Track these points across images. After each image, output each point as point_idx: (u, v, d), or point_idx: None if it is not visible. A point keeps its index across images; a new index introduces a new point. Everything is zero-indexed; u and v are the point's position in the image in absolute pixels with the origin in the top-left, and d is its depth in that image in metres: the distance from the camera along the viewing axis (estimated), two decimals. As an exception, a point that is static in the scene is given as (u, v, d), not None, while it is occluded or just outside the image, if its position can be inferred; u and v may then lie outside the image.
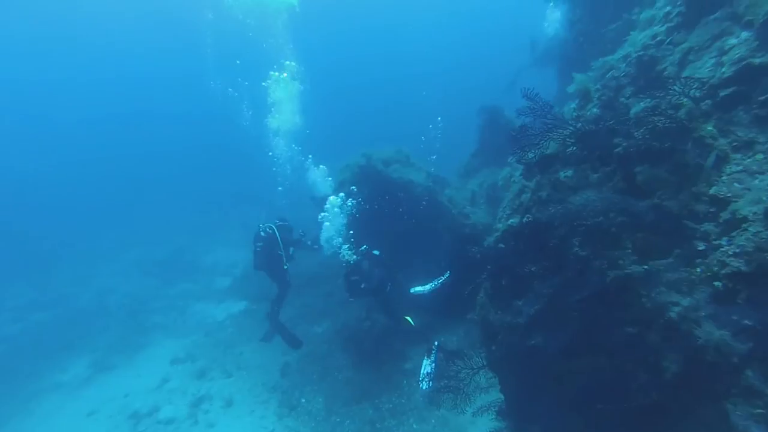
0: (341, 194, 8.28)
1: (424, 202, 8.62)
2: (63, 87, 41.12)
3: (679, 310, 3.03)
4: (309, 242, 8.73)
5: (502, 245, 4.67)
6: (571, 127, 3.91)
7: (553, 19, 10.70)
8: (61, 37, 36.46)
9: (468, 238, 8.76)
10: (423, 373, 6.84)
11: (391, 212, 8.66)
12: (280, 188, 10.02)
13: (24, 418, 9.31)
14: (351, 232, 8.15)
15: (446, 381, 5.63)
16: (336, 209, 8.15)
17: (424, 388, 6.73)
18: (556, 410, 3.85)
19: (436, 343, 7.31)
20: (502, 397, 5.25)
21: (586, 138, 3.78)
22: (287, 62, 10.62)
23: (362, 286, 7.45)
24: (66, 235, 22.72)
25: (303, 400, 8.14)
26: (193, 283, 16.75)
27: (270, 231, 8.43)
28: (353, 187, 8.50)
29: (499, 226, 4.87)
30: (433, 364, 6.91)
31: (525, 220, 4.41)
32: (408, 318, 7.69)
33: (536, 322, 3.89)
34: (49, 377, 10.83)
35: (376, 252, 7.86)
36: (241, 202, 23.64)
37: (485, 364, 5.43)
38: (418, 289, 7.87)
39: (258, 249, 8.29)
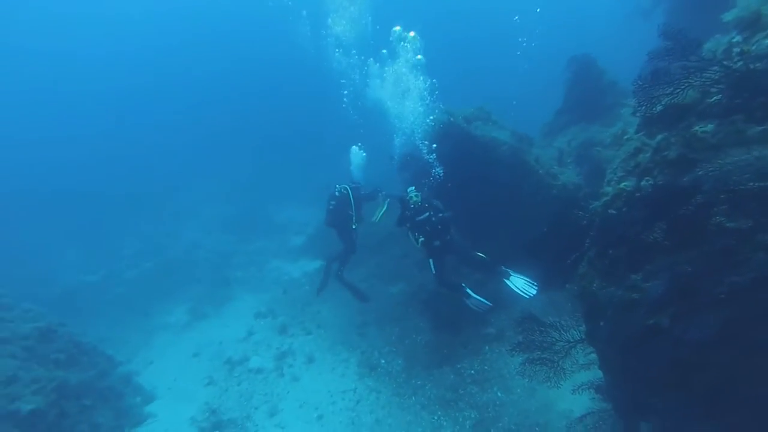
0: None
1: (507, 162, 8.04)
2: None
3: None
4: (382, 196, 8.98)
5: (613, 211, 4.14)
6: (720, 70, 3.22)
7: None
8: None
9: (556, 200, 8.17)
10: (521, 286, 6.95)
11: (473, 172, 8.19)
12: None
13: (148, 351, 10.58)
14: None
15: (539, 352, 5.33)
16: None
17: (534, 293, 6.88)
18: (681, 408, 3.43)
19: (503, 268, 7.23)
20: (602, 375, 4.87)
21: (745, 81, 3.09)
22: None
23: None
24: (159, 191, 24.62)
25: (383, 361, 8.27)
26: (269, 241, 17.52)
27: (344, 191, 8.82)
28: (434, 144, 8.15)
29: (608, 189, 4.31)
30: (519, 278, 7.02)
31: (644, 183, 3.84)
32: (480, 254, 7.46)
33: (663, 301, 3.42)
34: (159, 318, 12.18)
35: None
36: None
37: (583, 338, 5.05)
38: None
39: (331, 207, 8.75)
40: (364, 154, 9.29)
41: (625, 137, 4.37)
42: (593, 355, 4.97)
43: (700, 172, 3.13)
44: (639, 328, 3.56)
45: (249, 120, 34.86)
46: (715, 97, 3.50)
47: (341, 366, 8.50)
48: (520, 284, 7.05)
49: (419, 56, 8.74)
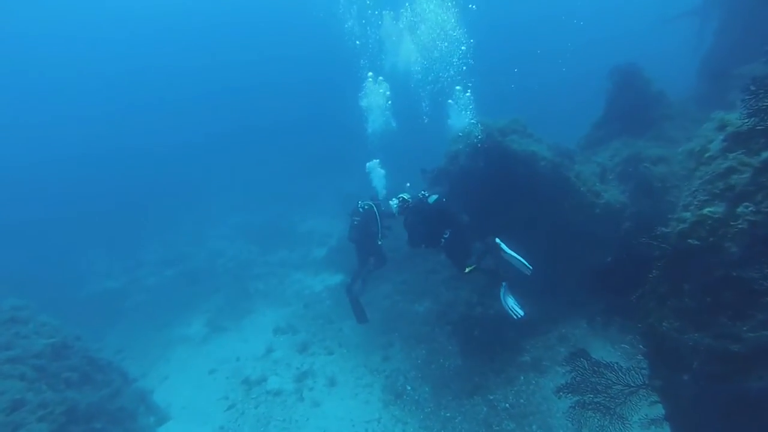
0: None
1: (547, 178, 7.48)
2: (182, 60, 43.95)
3: None
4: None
5: (694, 241, 3.55)
6: None
7: None
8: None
9: (600, 219, 7.55)
10: (511, 306, 6.26)
11: (510, 189, 7.65)
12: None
13: (164, 365, 10.31)
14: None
15: (591, 395, 4.72)
16: None
17: (521, 314, 6.19)
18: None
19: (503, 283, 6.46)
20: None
21: None
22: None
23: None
24: (185, 198, 24.81)
25: (408, 388, 7.73)
26: (290, 251, 17.25)
27: (368, 207, 8.51)
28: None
29: (686, 215, 3.72)
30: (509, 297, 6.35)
31: (742, 210, 3.25)
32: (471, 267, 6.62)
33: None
34: (177, 329, 11.95)
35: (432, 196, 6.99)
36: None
37: (646, 382, 4.42)
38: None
39: (355, 222, 8.44)
40: (383, 171, 8.89)
41: (707, 155, 3.78)
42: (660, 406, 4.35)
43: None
44: (741, 389, 2.96)
45: (276, 126, 35.14)
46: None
47: (365, 392, 7.98)
48: (510, 303, 6.34)
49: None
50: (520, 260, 6.28)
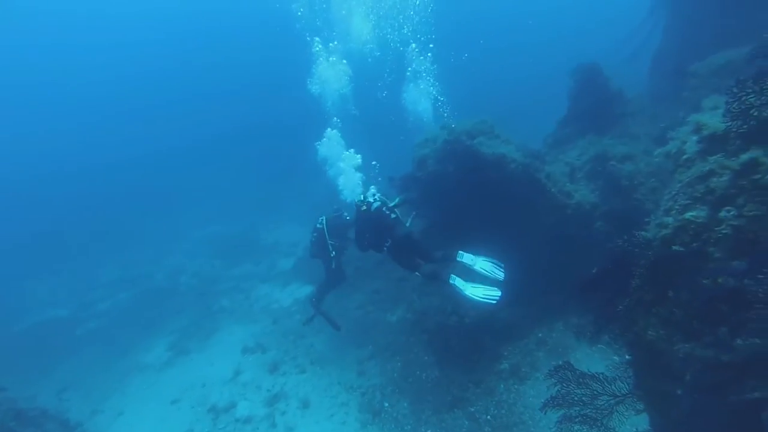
0: None
1: (518, 180, 7.35)
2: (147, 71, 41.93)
3: None
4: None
5: (679, 248, 3.41)
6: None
7: None
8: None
9: (572, 220, 7.50)
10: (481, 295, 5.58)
11: (481, 193, 7.48)
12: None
13: (121, 398, 9.50)
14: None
15: (578, 408, 4.55)
16: None
17: (498, 296, 5.53)
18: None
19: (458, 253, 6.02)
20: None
21: None
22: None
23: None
24: (146, 215, 23.49)
25: (386, 404, 7.41)
26: (256, 264, 16.62)
27: (322, 223, 8.28)
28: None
29: (668, 220, 3.58)
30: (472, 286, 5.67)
31: (724, 214, 3.12)
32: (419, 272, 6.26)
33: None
34: (136, 356, 11.10)
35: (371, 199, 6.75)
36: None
37: (632, 391, 4.29)
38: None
39: (313, 238, 8.33)
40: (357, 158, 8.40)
41: (684, 157, 3.66)
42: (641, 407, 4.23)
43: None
44: (736, 402, 2.81)
45: (242, 133, 33.96)
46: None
47: (341, 411, 7.60)
48: (478, 293, 5.65)
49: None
50: (490, 267, 5.95)
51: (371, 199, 6.69)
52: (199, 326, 12.00)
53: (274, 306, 12.48)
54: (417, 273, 6.23)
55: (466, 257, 6.03)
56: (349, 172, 7.61)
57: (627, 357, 4.14)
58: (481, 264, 5.97)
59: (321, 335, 9.99)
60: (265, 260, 16.72)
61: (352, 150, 7.87)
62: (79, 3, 34.07)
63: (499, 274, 5.90)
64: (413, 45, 8.65)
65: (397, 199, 7.16)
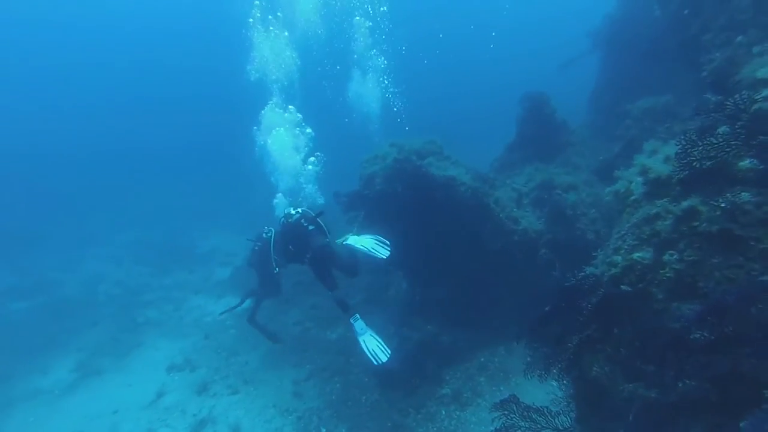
0: None
1: (468, 204, 7.38)
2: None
3: None
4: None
5: (627, 288, 3.46)
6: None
7: None
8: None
9: (516, 246, 7.63)
10: (372, 350, 5.74)
11: (429, 214, 7.42)
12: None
13: None
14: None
15: (520, 441, 4.50)
16: None
17: (383, 360, 5.71)
18: None
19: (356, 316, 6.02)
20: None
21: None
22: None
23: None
24: (54, 215, 21.24)
25: (323, 430, 7.04)
26: (189, 273, 15.57)
27: (269, 234, 7.69)
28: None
29: (617, 259, 3.64)
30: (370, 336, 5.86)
31: (669, 258, 3.20)
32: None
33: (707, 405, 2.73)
34: (27, 381, 9.54)
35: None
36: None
37: (575, 426, 4.31)
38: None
39: (256, 248, 7.77)
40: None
41: (632, 198, 3.76)
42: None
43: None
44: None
45: (176, 134, 32.15)
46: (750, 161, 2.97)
47: (274, 439, 7.12)
48: (371, 346, 5.80)
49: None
50: (373, 245, 6.19)
51: (293, 212, 6.72)
52: (117, 341, 10.87)
53: (207, 319, 11.66)
54: (330, 293, 6.22)
55: (357, 325, 5.96)
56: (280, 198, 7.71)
57: (571, 392, 4.16)
58: (366, 243, 6.19)
59: (256, 352, 9.43)
60: (200, 269, 15.71)
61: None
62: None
63: (384, 253, 6.13)
64: (357, 17, 8.48)
65: (319, 210, 6.95)
